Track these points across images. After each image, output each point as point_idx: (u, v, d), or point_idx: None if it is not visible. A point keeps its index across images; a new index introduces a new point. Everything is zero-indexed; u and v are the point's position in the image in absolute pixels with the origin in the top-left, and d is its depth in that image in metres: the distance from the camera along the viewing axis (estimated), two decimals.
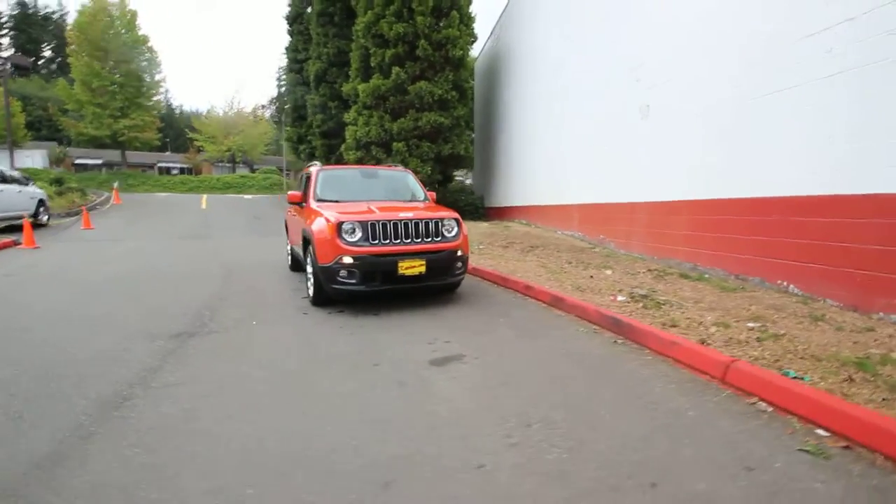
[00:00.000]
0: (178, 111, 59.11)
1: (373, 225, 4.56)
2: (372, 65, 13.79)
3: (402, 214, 4.73)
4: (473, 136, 16.84)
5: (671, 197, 6.16)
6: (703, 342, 3.31)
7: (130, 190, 25.91)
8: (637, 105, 6.85)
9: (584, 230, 8.68)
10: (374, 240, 4.55)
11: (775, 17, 4.61)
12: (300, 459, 2.07)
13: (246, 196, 25.36)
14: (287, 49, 20.32)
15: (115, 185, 20.74)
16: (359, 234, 4.52)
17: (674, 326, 3.82)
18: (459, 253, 4.94)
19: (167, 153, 47.39)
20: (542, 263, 6.88)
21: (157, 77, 30.88)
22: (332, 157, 16.99)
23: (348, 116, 14.26)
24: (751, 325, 3.84)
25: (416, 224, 4.72)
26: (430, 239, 4.78)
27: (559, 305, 4.73)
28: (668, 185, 6.23)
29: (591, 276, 5.97)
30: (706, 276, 5.45)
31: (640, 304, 4.59)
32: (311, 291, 5.03)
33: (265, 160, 44.19)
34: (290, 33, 20.01)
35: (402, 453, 2.11)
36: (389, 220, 4.61)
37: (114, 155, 36.75)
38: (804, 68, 4.29)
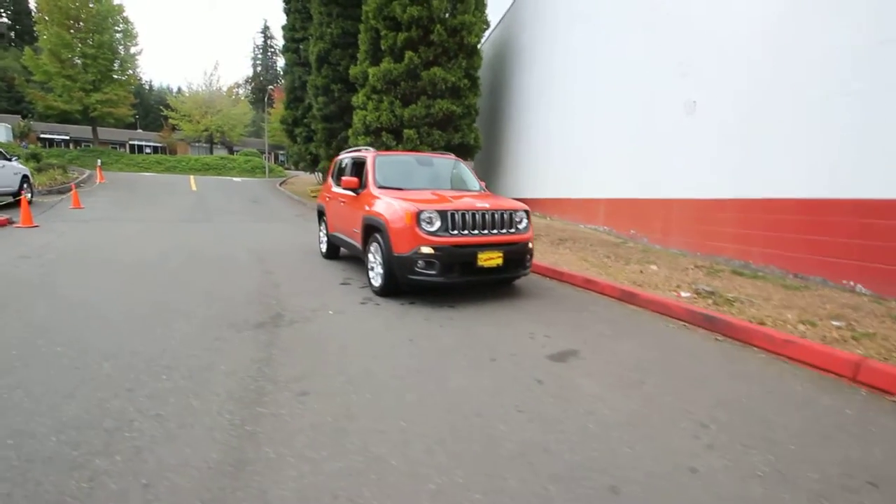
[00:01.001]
0: (147, 86, 56.18)
1: (452, 215, 4.42)
2: (382, 48, 13.41)
3: (479, 204, 4.61)
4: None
5: (717, 195, 6.24)
6: (823, 340, 3.35)
7: (104, 168, 24.56)
8: (681, 101, 6.88)
9: (611, 224, 8.74)
10: (453, 230, 4.42)
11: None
12: (503, 462, 1.97)
13: (235, 179, 24.44)
14: (284, 28, 19.46)
15: (99, 162, 19.54)
16: (437, 224, 4.37)
17: (761, 324, 3.87)
18: (530, 245, 4.86)
19: (139, 131, 45.06)
20: (581, 257, 6.87)
21: (133, 50, 29.17)
22: (332, 141, 16.50)
23: (356, 100, 13.84)
24: (836, 323, 3.92)
25: (493, 215, 4.61)
26: (504, 230, 4.69)
27: (633, 301, 4.73)
28: (713, 183, 6.31)
29: (641, 271, 6.00)
30: (759, 273, 5.56)
31: (710, 301, 4.63)
32: (375, 281, 4.86)
33: (245, 142, 42.75)
34: (287, 11, 19.19)
35: (601, 456, 2.04)
36: (468, 210, 4.48)
37: (82, 130, 34.72)
38: (865, 76, 4.39)
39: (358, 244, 5.41)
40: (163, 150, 41.35)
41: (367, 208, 5.06)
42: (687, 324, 4.05)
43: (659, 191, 7.41)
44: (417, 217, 4.34)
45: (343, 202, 5.94)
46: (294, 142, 19.50)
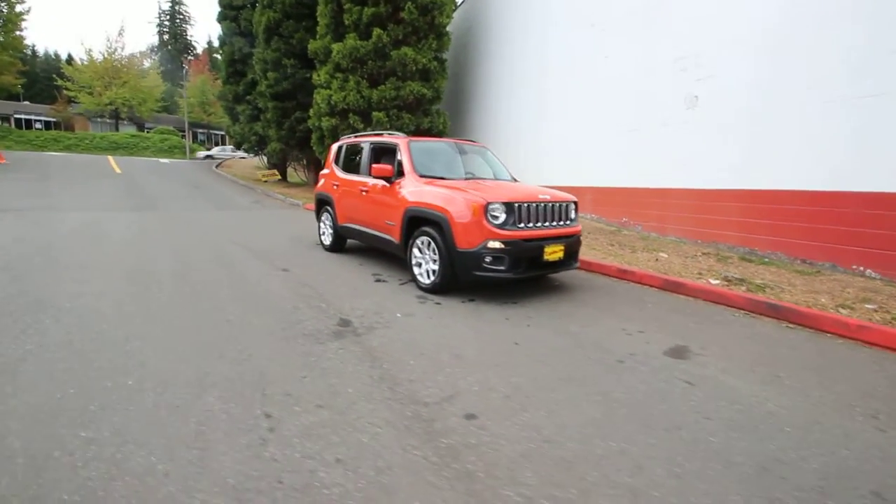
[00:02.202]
0: (31, 52, 48.07)
1: (518, 207, 4.20)
2: (346, 22, 12.54)
3: (541, 196, 4.43)
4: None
5: (718, 185, 6.60)
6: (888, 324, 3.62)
7: None
8: (682, 95, 7.15)
9: (599, 212, 8.97)
10: (519, 223, 4.21)
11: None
12: (768, 484, 1.86)
13: (162, 160, 21.85)
14: None
15: None
16: (504, 217, 4.13)
17: (823, 311, 4.13)
18: (580, 237, 4.80)
19: (25, 103, 38.52)
20: (586, 244, 6.97)
21: (20, 8, 24.70)
22: (285, 122, 15.23)
23: (318, 78, 12.86)
24: (869, 306, 4.30)
25: (553, 207, 4.47)
26: (562, 222, 4.57)
27: (679, 290, 4.84)
28: (714, 174, 6.66)
29: (657, 259, 6.21)
30: (766, 260, 5.99)
31: (743, 288, 4.89)
32: (423, 278, 4.52)
33: (157, 118, 38.40)
34: None
35: (840, 461, 2.01)
36: (532, 202, 4.29)
37: None
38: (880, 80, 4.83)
39: (392, 238, 5.00)
40: (56, 126, 35.83)
41: (409, 199, 4.67)
42: (749, 312, 4.22)
43: (656, 180, 7.69)
44: (485, 210, 4.06)
45: (365, 191, 5.44)
46: (236, 120, 17.76)
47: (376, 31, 11.97)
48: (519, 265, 4.16)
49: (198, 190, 13.87)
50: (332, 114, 12.62)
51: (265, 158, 18.76)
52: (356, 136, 6.33)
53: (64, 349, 2.81)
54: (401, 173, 4.98)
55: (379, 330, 3.42)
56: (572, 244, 4.57)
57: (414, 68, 12.32)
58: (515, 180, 5.59)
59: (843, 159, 5.28)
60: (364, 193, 5.47)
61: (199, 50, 57.48)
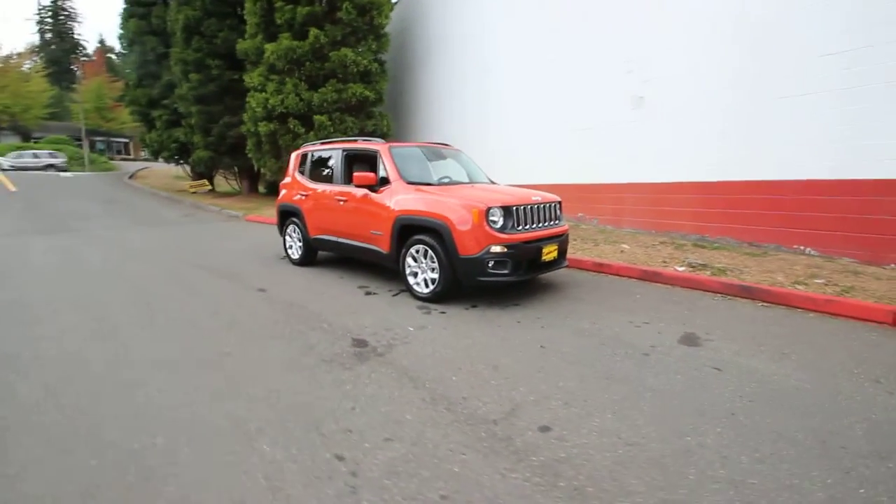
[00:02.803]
0: None
1: (516, 210, 4.22)
2: (278, 22, 11.90)
3: (534, 197, 4.48)
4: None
5: (673, 179, 7.13)
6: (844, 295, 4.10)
7: None
8: (630, 96, 7.62)
9: None
10: (518, 226, 4.23)
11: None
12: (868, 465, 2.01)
13: (62, 174, 19.28)
14: None
15: None
16: (502, 221, 4.13)
17: (778, 289, 4.59)
18: (568, 235, 4.93)
19: None
20: None
21: None
22: (212, 127, 14.10)
23: (251, 80, 12.06)
24: (818, 281, 4.87)
25: (545, 208, 4.55)
26: (553, 222, 4.67)
27: (657, 279, 5.15)
28: (669, 169, 7.18)
29: (622, 251, 6.57)
30: (716, 245, 6.56)
31: (708, 272, 5.32)
32: (420, 287, 4.40)
33: (46, 126, 33.96)
34: None
35: (874, 427, 2.22)
36: (526, 205, 4.33)
37: None
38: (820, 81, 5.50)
39: (379, 248, 4.81)
40: None
41: (399, 207, 4.52)
42: (725, 295, 4.59)
43: (609, 176, 8.12)
44: (487, 215, 4.04)
45: (343, 201, 5.18)
46: (151, 127, 16.12)
47: (313, 31, 11.48)
48: (520, 268, 4.19)
49: (115, 205, 12.41)
50: (269, 118, 11.89)
51: (187, 167, 17.26)
52: (322, 144, 6.01)
53: (54, 411, 2.36)
54: (383, 181, 4.80)
55: (399, 347, 3.27)
56: (563, 243, 4.68)
57: (355, 70, 11.98)
58: (493, 182, 5.61)
59: (785, 152, 5.91)
60: (342, 203, 5.20)
61: (90, 49, 51.61)
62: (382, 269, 5.72)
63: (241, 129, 13.02)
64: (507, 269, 4.09)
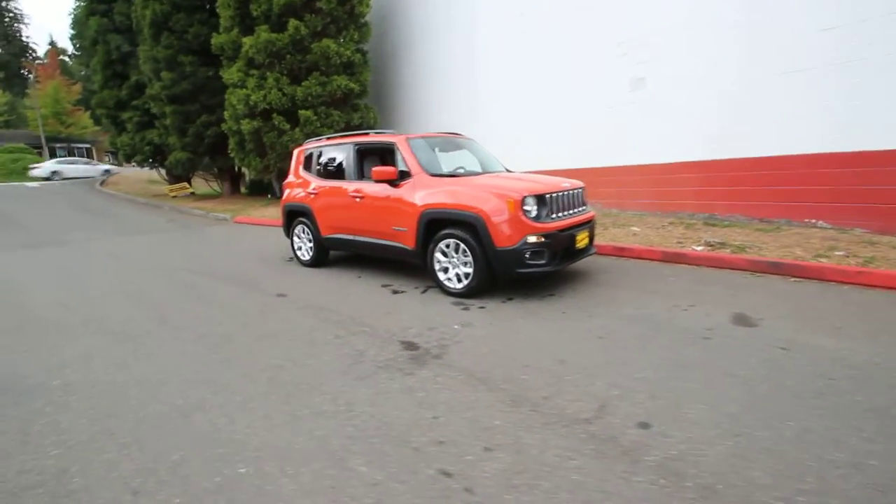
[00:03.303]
0: None
1: (549, 198, 4.12)
2: (254, 14, 11.40)
3: (563, 184, 4.38)
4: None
5: (676, 159, 7.14)
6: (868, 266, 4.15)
7: None
8: (627, 79, 7.58)
9: None
10: (552, 214, 4.13)
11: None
12: None
13: (29, 184, 18.24)
14: None
15: None
16: (536, 210, 4.03)
17: (807, 263, 4.63)
18: (594, 221, 4.87)
19: None
20: None
21: None
22: (188, 127, 13.50)
23: (230, 76, 11.55)
24: (838, 253, 4.94)
25: (573, 195, 4.46)
26: (581, 208, 4.59)
27: (681, 260, 5.15)
28: (671, 149, 7.19)
29: (635, 234, 6.58)
30: (726, 222, 6.62)
31: (729, 250, 5.35)
32: (452, 283, 4.28)
33: (1, 136, 32.10)
34: None
35: None
36: (557, 192, 4.23)
37: None
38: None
39: (403, 244, 4.64)
40: None
41: (425, 201, 4.36)
42: (754, 273, 4.61)
43: (610, 159, 8.09)
44: (522, 204, 3.92)
45: (360, 198, 4.98)
46: (122, 130, 15.32)
47: (292, 22, 11.04)
48: (557, 257, 4.10)
49: (93, 215, 11.77)
50: (252, 115, 11.44)
51: (163, 171, 16.55)
52: (329, 139, 5.76)
53: (114, 448, 2.14)
54: (403, 175, 4.62)
55: (453, 347, 3.14)
56: (591, 229, 4.62)
57: (338, 61, 11.61)
58: (509, 171, 5.49)
59: (788, 127, 5.96)
60: (359, 200, 4.99)
61: (41, 52, 48.75)
62: (400, 265, 5.56)
63: (220, 127, 12.52)
64: (544, 259, 3.99)
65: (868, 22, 5.08)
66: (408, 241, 4.59)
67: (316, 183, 5.61)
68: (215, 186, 15.94)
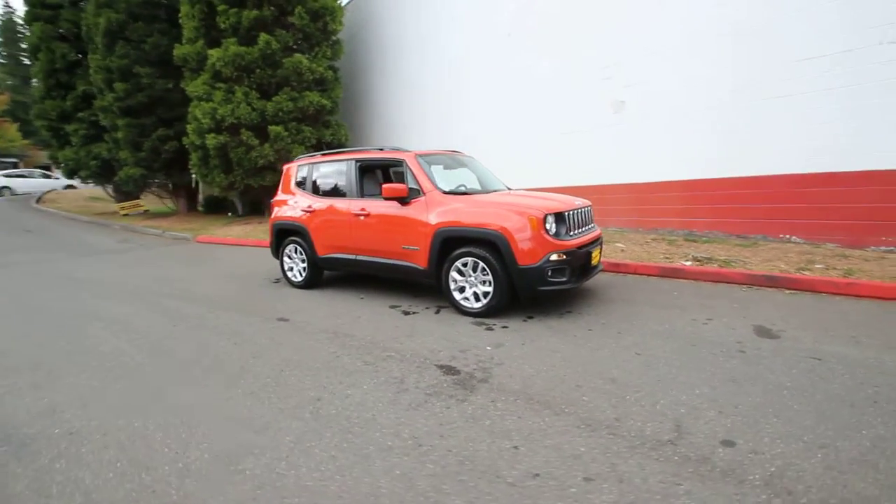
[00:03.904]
0: None
1: (568, 215, 4.14)
2: (222, 26, 10.99)
3: (577, 202, 4.43)
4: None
5: (657, 178, 7.47)
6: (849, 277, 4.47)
7: None
8: (610, 101, 7.90)
9: None
10: (570, 232, 4.15)
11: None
12: None
13: None
14: None
15: None
16: (555, 227, 4.03)
17: (800, 276, 4.91)
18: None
19: None
20: None
21: None
22: (144, 142, 12.64)
23: (194, 88, 11.00)
24: (818, 266, 5.30)
25: (584, 212, 4.51)
26: (591, 226, 4.65)
27: (678, 275, 5.33)
28: (652, 169, 7.52)
29: (622, 250, 6.78)
30: (705, 238, 6.96)
31: (716, 264, 5.62)
32: (469, 303, 4.17)
33: None
34: None
35: None
36: (572, 210, 4.26)
37: None
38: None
39: (414, 264, 4.50)
40: None
41: (440, 219, 4.25)
42: (751, 286, 4.84)
43: (592, 178, 8.35)
44: (544, 222, 3.91)
45: (365, 216, 4.79)
46: (65, 143, 14.10)
47: (263, 36, 10.73)
48: (575, 274, 4.10)
49: (35, 235, 10.64)
50: (218, 130, 10.90)
51: (110, 188, 15.36)
52: (324, 155, 5.55)
53: (149, 499, 1.84)
54: (413, 192, 4.51)
55: (495, 370, 3.03)
56: (601, 246, 4.68)
57: (311, 77, 11.37)
58: (509, 189, 5.51)
59: (765, 149, 6.38)
60: (363, 218, 4.80)
61: None
62: (402, 284, 5.39)
63: (182, 142, 11.83)
64: (565, 276, 3.99)
65: (851, 53, 5.56)
66: (419, 261, 4.45)
67: (311, 201, 5.36)
68: (169, 204, 14.97)
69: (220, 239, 10.49)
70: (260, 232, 10.74)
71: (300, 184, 5.57)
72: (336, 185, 5.22)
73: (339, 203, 5.10)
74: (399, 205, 4.53)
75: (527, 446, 2.14)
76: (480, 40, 10.06)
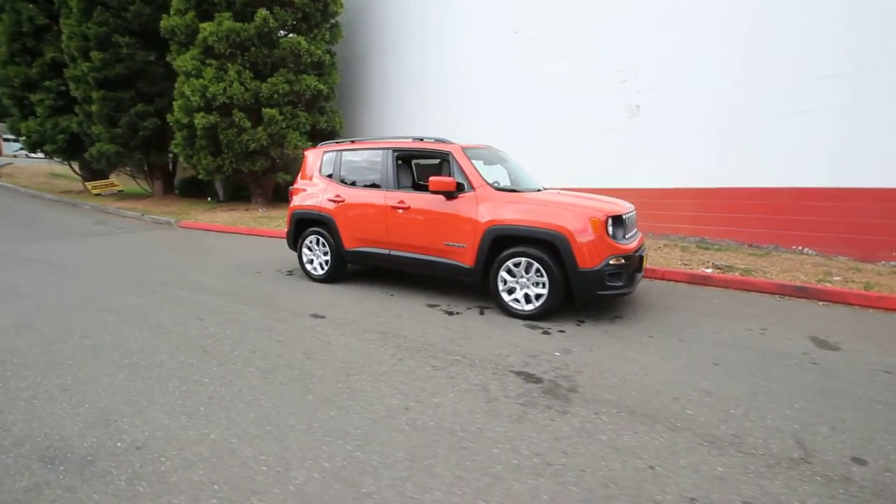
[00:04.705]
0: None
1: (622, 219, 4.05)
2: None
3: (626, 206, 4.35)
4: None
5: (671, 185, 7.55)
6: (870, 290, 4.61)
7: None
8: (623, 105, 7.92)
9: None
10: (625, 235, 4.07)
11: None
12: None
13: None
14: None
15: None
16: (613, 230, 3.93)
17: (831, 288, 5.03)
18: None
19: None
20: None
21: None
22: (121, 117, 11.75)
23: (183, 63, 10.28)
24: (836, 278, 5.47)
25: (633, 216, 4.45)
26: (636, 232, 4.59)
27: (708, 283, 5.36)
28: (663, 175, 7.59)
29: None
30: (717, 246, 7.09)
31: (737, 273, 5.72)
32: (520, 305, 4.03)
33: None
34: None
35: None
36: (626, 213, 4.17)
37: None
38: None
39: (459, 262, 4.31)
40: None
41: (490, 217, 4.08)
42: (782, 296, 4.92)
43: (601, 181, 8.35)
44: (606, 225, 3.80)
45: (404, 209, 4.54)
46: (29, 114, 12.91)
47: (261, 13, 10.18)
48: (630, 278, 4.03)
49: (37, 222, 9.67)
50: (208, 109, 10.25)
51: (76, 165, 14.23)
52: (354, 142, 5.23)
53: None
54: (460, 187, 4.30)
55: (578, 377, 2.89)
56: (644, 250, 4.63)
57: (308, 60, 10.87)
58: (544, 188, 5.38)
59: (780, 162, 6.55)
60: (401, 212, 4.55)
61: None
62: (431, 281, 5.19)
63: (167, 119, 11.06)
64: (622, 280, 3.90)
65: (861, 74, 5.76)
66: (465, 259, 4.25)
67: (338, 190, 5.06)
68: (143, 185, 14.03)
69: (206, 225, 9.89)
70: (249, 219, 10.21)
71: (325, 172, 5.25)
72: (368, 175, 4.94)
73: (372, 194, 4.82)
74: (444, 199, 4.31)
75: (662, 466, 2.01)
76: (487, 36, 9.88)
